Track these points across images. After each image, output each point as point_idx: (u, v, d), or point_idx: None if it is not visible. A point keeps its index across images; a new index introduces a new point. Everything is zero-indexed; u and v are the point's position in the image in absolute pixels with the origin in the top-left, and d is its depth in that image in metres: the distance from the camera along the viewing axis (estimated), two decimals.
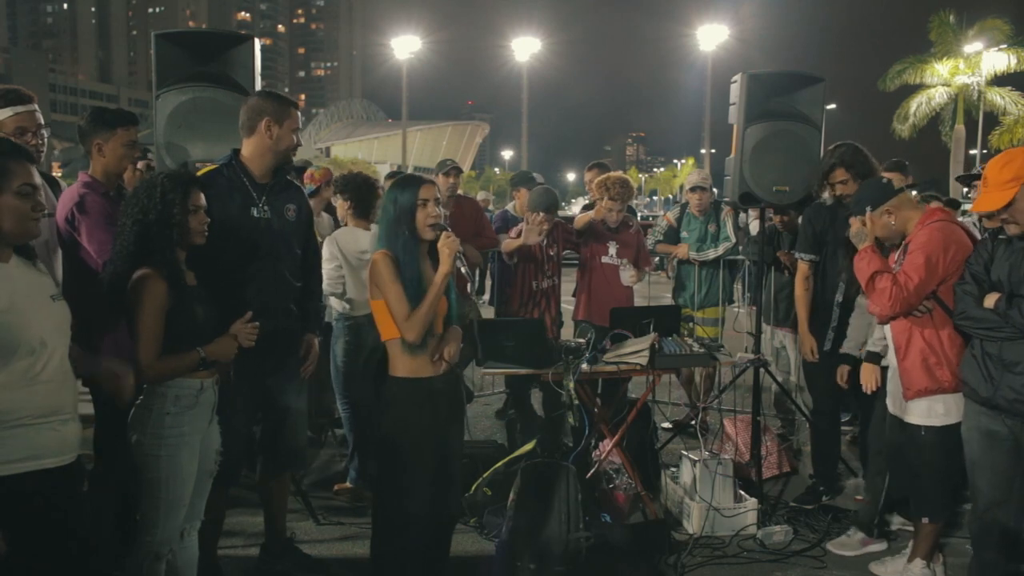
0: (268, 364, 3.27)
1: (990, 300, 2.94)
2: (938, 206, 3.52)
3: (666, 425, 5.65)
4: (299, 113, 3.40)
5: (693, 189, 6.06)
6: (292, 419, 3.48)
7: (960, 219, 4.23)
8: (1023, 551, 3.06)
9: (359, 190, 4.56)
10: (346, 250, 4.37)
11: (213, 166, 3.33)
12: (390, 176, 5.80)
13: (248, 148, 3.31)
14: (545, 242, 5.09)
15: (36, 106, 3.33)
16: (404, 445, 2.99)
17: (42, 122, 3.33)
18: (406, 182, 3.01)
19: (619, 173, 5.28)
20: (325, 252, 4.32)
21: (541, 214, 4.86)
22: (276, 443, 3.48)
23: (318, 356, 3.58)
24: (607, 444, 4.27)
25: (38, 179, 2.25)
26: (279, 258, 3.34)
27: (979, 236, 3.43)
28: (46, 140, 3.38)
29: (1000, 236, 3.03)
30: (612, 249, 5.15)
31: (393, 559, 3.08)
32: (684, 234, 6.08)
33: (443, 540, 3.22)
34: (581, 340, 4.18)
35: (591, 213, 5.21)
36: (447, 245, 2.90)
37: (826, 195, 4.20)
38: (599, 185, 5.12)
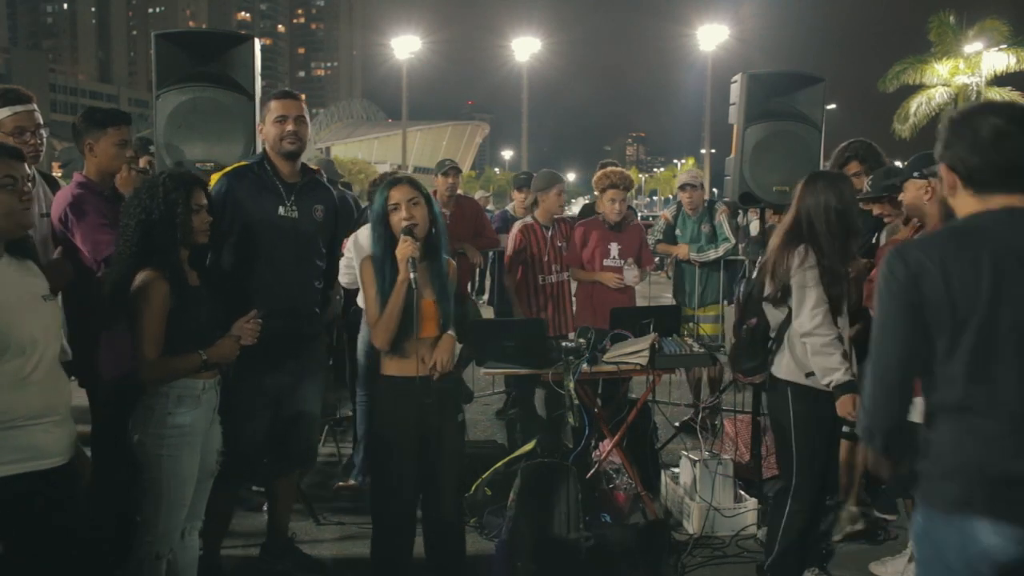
0: (288, 365, 3.28)
1: None
2: None
3: (676, 424, 5.62)
4: (283, 102, 3.29)
5: (683, 187, 6.11)
6: (307, 420, 3.48)
7: None
8: None
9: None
10: (366, 245, 4.36)
11: (243, 163, 3.38)
12: None
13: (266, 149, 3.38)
14: (550, 232, 5.09)
15: (35, 106, 3.33)
16: (381, 443, 3.07)
17: (41, 122, 3.33)
18: (381, 184, 3.07)
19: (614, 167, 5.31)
20: (348, 247, 4.40)
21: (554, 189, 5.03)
22: (288, 442, 3.47)
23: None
24: (607, 444, 4.27)
25: (19, 172, 2.22)
26: (303, 259, 3.36)
27: None
28: (45, 140, 3.37)
29: None
30: (614, 250, 5.10)
31: (384, 558, 3.12)
32: (678, 232, 6.11)
33: (445, 547, 3.20)
34: (581, 340, 4.18)
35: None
36: (399, 251, 2.90)
37: None
38: (600, 178, 5.11)
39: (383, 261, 2.97)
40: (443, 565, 3.19)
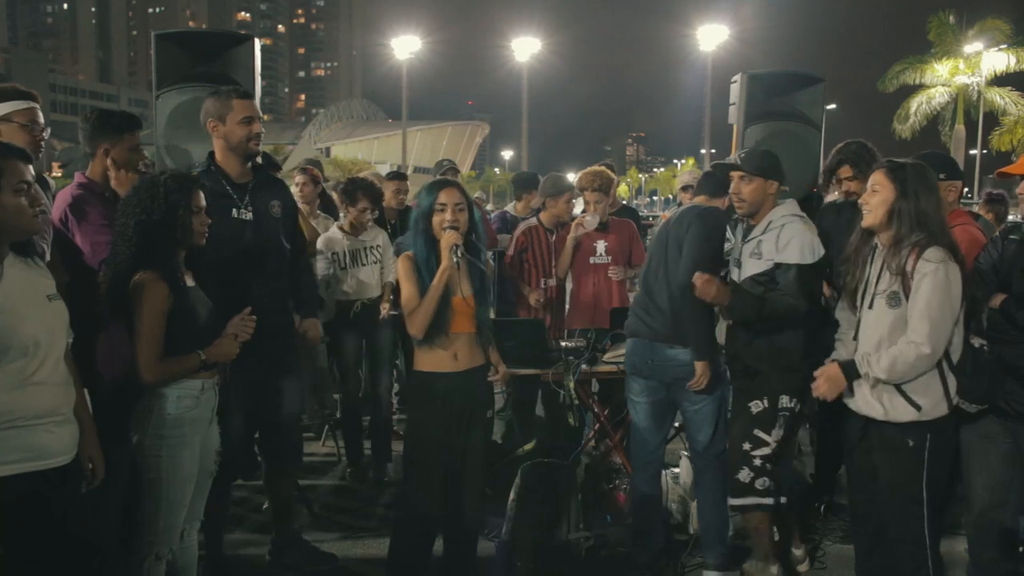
0: (263, 363, 3.27)
1: (996, 300, 2.92)
2: (962, 208, 3.48)
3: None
4: (248, 102, 3.27)
5: (684, 188, 6.09)
6: (288, 415, 3.51)
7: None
8: (1020, 551, 3.05)
9: (378, 195, 4.73)
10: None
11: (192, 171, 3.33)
12: (392, 176, 5.79)
13: (215, 151, 3.33)
14: (554, 236, 5.03)
15: (36, 105, 3.32)
16: (412, 439, 3.13)
17: (42, 122, 3.32)
18: (431, 186, 3.12)
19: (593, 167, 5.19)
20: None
21: (566, 194, 4.96)
22: (275, 439, 3.50)
23: (318, 340, 3.65)
24: (607, 444, 4.27)
25: (29, 176, 2.24)
26: (266, 257, 3.35)
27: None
28: (45, 140, 3.36)
29: (1011, 236, 3.01)
30: (600, 247, 4.91)
31: (401, 556, 3.16)
32: None
33: (459, 554, 3.23)
34: (581, 341, 4.18)
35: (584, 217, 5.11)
36: (445, 240, 2.98)
37: (836, 194, 4.18)
38: (577, 181, 5.05)
39: (426, 257, 3.04)
40: (456, 563, 3.23)
